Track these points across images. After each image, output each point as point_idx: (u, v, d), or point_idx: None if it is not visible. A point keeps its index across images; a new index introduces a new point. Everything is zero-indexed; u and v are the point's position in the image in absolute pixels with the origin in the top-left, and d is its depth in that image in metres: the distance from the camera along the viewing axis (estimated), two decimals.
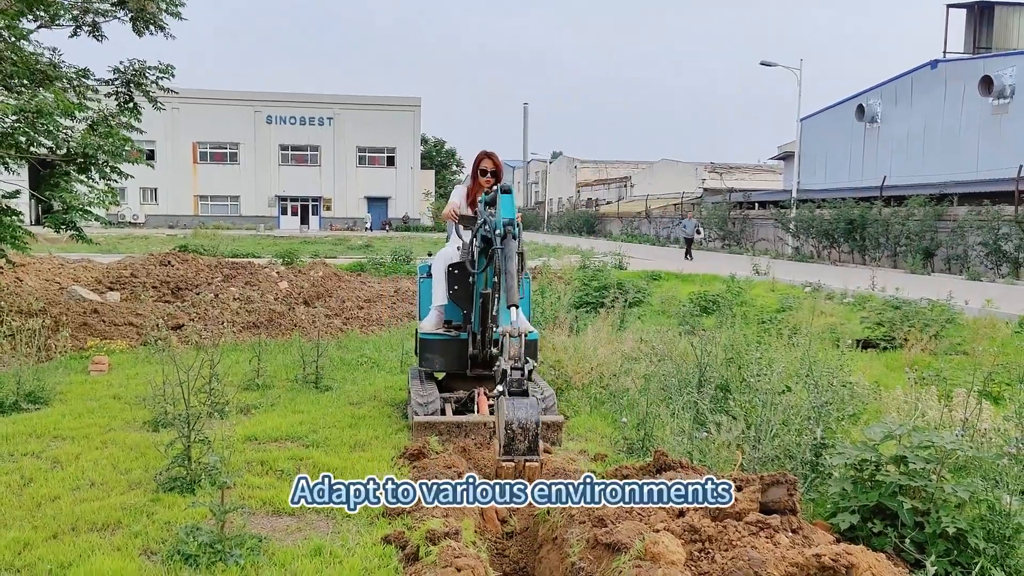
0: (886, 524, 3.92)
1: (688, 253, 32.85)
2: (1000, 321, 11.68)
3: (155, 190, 65.26)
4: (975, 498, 3.81)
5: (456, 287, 6.66)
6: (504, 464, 3.67)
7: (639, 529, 3.82)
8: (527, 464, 3.66)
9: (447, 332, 6.75)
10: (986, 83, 32.61)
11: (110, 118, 11.16)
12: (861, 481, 4.13)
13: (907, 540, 3.78)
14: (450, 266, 6.68)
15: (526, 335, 4.11)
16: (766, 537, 3.60)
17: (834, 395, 5.62)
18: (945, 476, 3.93)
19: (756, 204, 45.52)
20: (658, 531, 3.69)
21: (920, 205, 28.98)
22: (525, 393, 3.88)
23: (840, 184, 40.30)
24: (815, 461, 4.91)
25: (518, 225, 4.94)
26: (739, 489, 4.08)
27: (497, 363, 4.09)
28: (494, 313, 5.04)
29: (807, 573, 3.13)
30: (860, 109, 41.02)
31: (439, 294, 6.75)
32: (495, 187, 5.74)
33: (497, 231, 4.77)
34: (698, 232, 34.70)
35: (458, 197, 6.88)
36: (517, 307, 4.32)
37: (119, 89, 11.88)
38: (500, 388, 3.93)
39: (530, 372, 4.02)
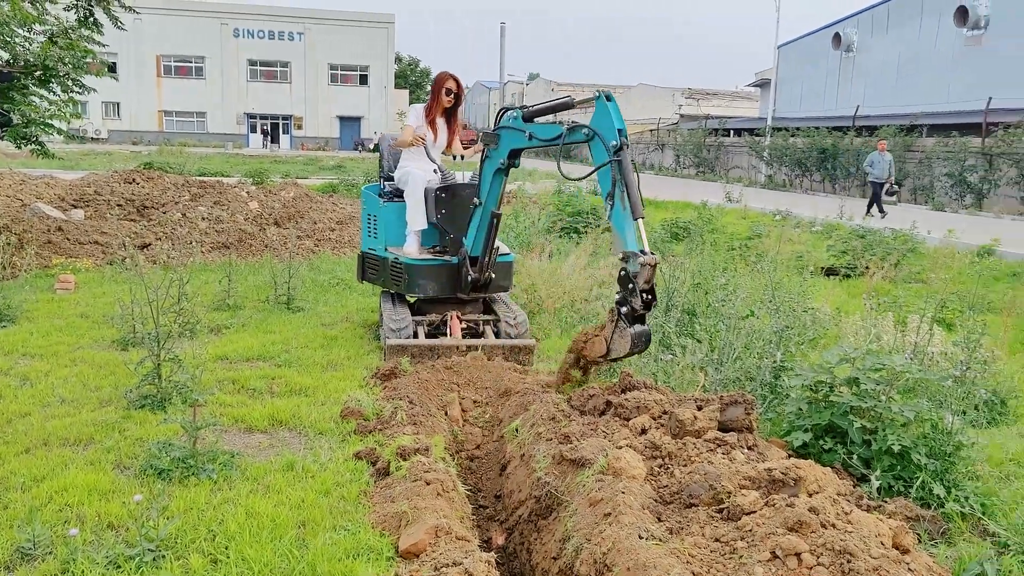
0: (836, 442, 4.10)
1: (876, 205, 21.19)
2: (959, 251, 11.94)
3: (117, 105, 63.39)
4: (920, 417, 3.99)
5: (444, 211, 6.60)
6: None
7: (603, 446, 3.96)
8: None
9: (437, 257, 6.69)
10: (961, 13, 32.43)
11: (70, 31, 10.80)
12: (816, 401, 4.30)
13: (855, 456, 3.96)
14: (438, 190, 6.61)
15: (657, 264, 4.57)
16: (723, 453, 3.76)
17: (795, 320, 5.77)
18: (894, 397, 4.10)
19: (731, 132, 45.38)
20: (621, 448, 3.83)
21: (891, 135, 29.09)
22: (644, 320, 4.68)
23: (815, 113, 40.24)
24: (774, 383, 5.08)
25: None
26: (699, 409, 4.23)
27: (629, 284, 4.56)
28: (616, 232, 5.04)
29: (759, 485, 3.28)
30: (837, 37, 40.71)
31: (418, 219, 6.65)
32: (561, 114, 5.76)
33: (612, 143, 4.80)
34: (891, 177, 21.80)
35: (416, 119, 6.77)
36: (643, 219, 4.66)
37: (78, 3, 11.47)
38: (624, 310, 4.61)
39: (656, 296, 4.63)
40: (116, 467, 4.06)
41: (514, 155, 5.92)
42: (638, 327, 4.62)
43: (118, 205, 13.32)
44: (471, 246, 6.36)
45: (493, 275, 6.46)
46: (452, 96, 6.70)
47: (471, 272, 6.39)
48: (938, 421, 3.96)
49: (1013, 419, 5.15)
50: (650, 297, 4.58)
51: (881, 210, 20.94)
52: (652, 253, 4.58)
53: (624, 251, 4.59)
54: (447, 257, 6.63)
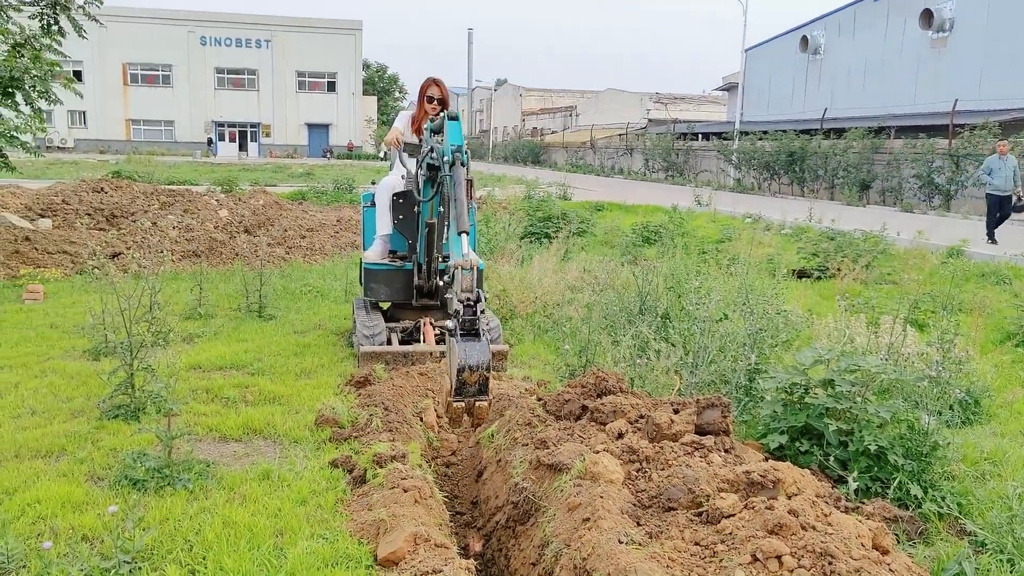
0: (812, 443, 4.13)
1: (993, 230, 15.92)
2: (929, 252, 12.12)
3: (83, 113, 62.53)
4: (896, 418, 4.04)
5: (401, 216, 6.64)
6: (455, 404, 3.69)
7: (580, 450, 3.96)
8: (477, 404, 3.69)
9: (392, 262, 6.75)
10: (926, 16, 32.96)
11: (33, 40, 10.63)
12: (791, 403, 4.33)
13: (831, 458, 4.00)
14: (395, 195, 6.64)
15: (477, 266, 4.01)
16: (700, 456, 3.77)
17: (769, 323, 5.81)
18: (869, 398, 4.14)
19: (700, 135, 45.73)
20: (598, 452, 3.83)
21: (858, 138, 29.45)
22: (477, 334, 3.82)
23: (783, 116, 40.66)
24: (749, 385, 5.11)
25: (466, 152, 4.86)
26: (676, 412, 4.24)
27: (449, 296, 3.99)
28: (443, 242, 4.93)
29: (737, 488, 3.30)
30: (804, 40, 41.20)
31: (383, 223, 6.74)
32: (441, 114, 5.61)
33: (445, 158, 4.69)
34: (1019, 187, 16.00)
35: (402, 123, 6.79)
36: (467, 233, 4.23)
37: (44, 11, 11.29)
38: (451, 325, 3.83)
39: (482, 308, 3.94)
40: (90, 478, 4.00)
41: (432, 167, 5.53)
42: (469, 345, 3.74)
43: (87, 214, 13.15)
44: (419, 252, 6.38)
45: (441, 282, 6.36)
46: (436, 103, 6.64)
47: (417, 278, 6.44)
48: (914, 422, 4.01)
49: (987, 418, 5.23)
50: (472, 300, 3.87)
51: (992, 236, 15.73)
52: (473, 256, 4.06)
53: (451, 263, 4.07)
54: (401, 263, 6.67)
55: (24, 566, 3.12)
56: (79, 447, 4.39)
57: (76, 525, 3.45)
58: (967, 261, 12.33)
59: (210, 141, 64.93)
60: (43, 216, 13.20)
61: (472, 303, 3.87)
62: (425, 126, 5.87)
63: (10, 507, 3.61)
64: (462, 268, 3.90)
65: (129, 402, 4.90)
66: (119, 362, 4.92)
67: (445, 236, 4.61)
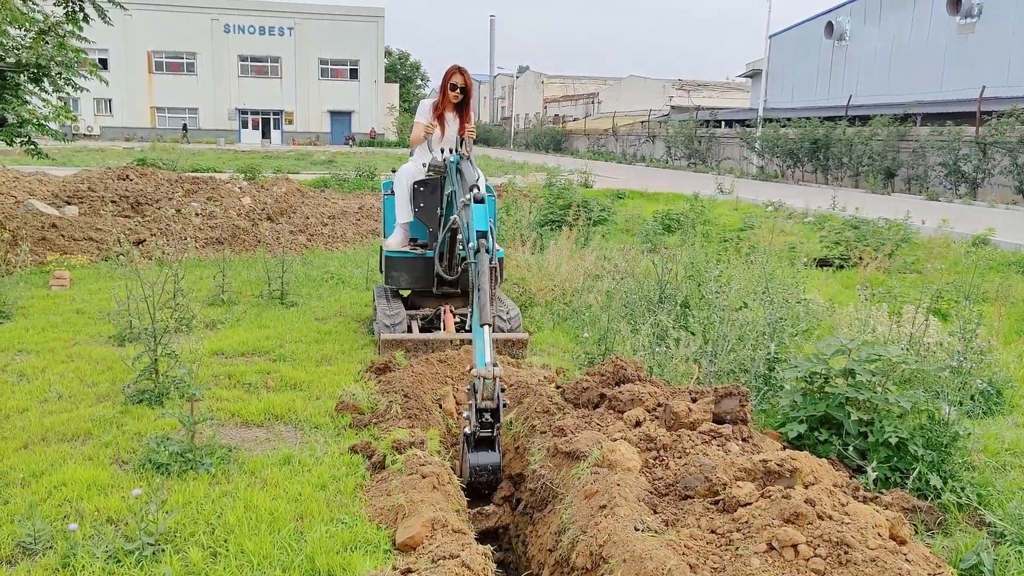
0: (832, 433, 4.12)
1: None
2: (953, 240, 11.98)
3: (109, 101, 63.12)
4: (916, 408, 4.01)
5: (421, 204, 6.66)
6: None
7: (597, 438, 3.97)
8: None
9: (413, 250, 6.78)
10: (954, 1, 32.45)
11: (57, 27, 10.71)
12: (811, 393, 4.32)
13: (850, 448, 3.99)
14: (415, 183, 6.66)
15: (498, 376, 3.91)
16: (718, 445, 3.78)
17: (789, 312, 5.79)
18: (890, 388, 4.12)
19: (723, 123, 45.37)
20: (615, 440, 3.85)
21: (884, 125, 29.10)
22: (492, 444, 3.97)
23: (807, 103, 40.26)
24: (768, 375, 5.10)
25: (492, 238, 4.63)
26: (694, 401, 4.25)
27: (471, 400, 3.98)
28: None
29: (754, 477, 3.30)
30: (829, 26, 40.73)
31: (403, 212, 6.76)
32: (462, 146, 5.75)
33: (470, 244, 4.58)
34: None
35: (423, 116, 6.80)
36: (491, 326, 4.09)
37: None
38: (467, 431, 3.95)
39: (500, 413, 3.95)
40: (114, 462, 4.07)
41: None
42: (480, 454, 3.92)
43: (112, 201, 13.28)
44: (440, 241, 6.40)
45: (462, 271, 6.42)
46: (459, 91, 6.67)
47: (438, 267, 6.46)
48: (935, 412, 3.98)
49: (1009, 409, 5.18)
50: (489, 416, 3.89)
51: None
52: (495, 364, 3.96)
53: (473, 368, 4.02)
54: (421, 251, 6.71)
55: (51, 547, 3.19)
56: (104, 431, 4.46)
57: (101, 507, 3.52)
58: (993, 250, 12.18)
59: (185, 127, 64.31)
60: (69, 203, 13.35)
61: (490, 415, 3.92)
62: (451, 160, 6.02)
63: (37, 489, 3.69)
64: (484, 378, 3.88)
65: (153, 387, 4.97)
66: (143, 348, 4.99)
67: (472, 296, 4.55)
